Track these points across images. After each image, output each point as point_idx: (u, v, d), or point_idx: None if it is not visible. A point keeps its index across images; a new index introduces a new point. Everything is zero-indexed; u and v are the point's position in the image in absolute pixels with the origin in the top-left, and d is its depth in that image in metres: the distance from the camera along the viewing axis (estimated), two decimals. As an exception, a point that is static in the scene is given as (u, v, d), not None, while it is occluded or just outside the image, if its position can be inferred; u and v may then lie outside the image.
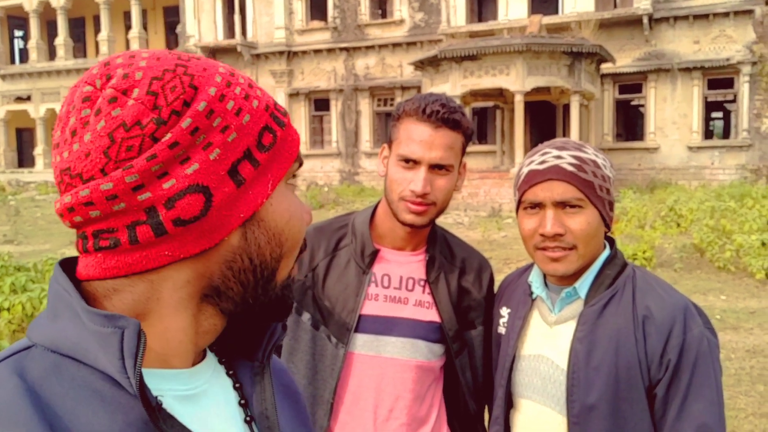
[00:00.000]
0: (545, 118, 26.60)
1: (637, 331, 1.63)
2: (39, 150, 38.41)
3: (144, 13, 37.90)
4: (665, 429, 1.60)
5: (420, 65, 23.84)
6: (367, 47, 31.24)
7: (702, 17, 25.54)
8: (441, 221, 2.15)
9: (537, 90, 22.15)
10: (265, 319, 0.87)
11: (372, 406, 1.89)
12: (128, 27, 38.05)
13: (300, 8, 32.29)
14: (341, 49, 31.65)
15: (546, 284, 1.82)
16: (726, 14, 25.25)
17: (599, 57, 22.36)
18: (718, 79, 25.88)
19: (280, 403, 0.94)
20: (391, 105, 30.75)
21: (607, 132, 27.09)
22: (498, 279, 1.98)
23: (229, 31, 33.75)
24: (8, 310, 5.96)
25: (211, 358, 0.88)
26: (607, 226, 1.74)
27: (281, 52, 32.30)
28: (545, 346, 1.77)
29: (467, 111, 24.39)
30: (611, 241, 1.81)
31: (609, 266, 1.74)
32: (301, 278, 1.94)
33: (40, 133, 38.53)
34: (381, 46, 30.95)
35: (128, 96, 0.72)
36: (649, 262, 11.59)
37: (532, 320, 1.83)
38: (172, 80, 0.74)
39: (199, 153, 0.74)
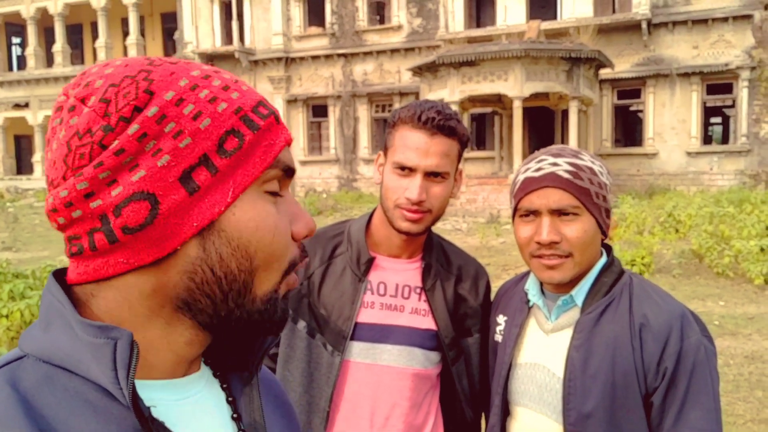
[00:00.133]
0: (544, 124, 26.63)
1: (634, 339, 1.62)
2: (37, 157, 38.37)
3: (142, 20, 37.91)
4: (662, 437, 1.60)
5: (418, 71, 23.86)
6: (365, 53, 31.24)
7: (701, 22, 25.55)
8: (439, 227, 2.15)
9: (535, 96, 22.19)
10: (256, 334, 0.85)
11: (368, 414, 1.88)
12: (126, 34, 38.04)
13: (298, 14, 32.30)
14: (339, 55, 31.65)
15: (543, 292, 1.81)
16: (725, 19, 25.26)
17: (598, 62, 22.40)
18: (717, 84, 25.88)
19: (271, 414, 0.94)
20: (389, 111, 30.62)
21: (605, 137, 27.09)
22: (497, 285, 1.98)
23: (227, 38, 33.75)
24: (7, 317, 5.96)
25: (205, 370, 0.88)
26: (604, 234, 1.74)
27: (279, 59, 32.29)
28: (542, 354, 1.76)
29: (465, 117, 24.44)
30: (608, 249, 1.81)
31: (606, 274, 1.73)
32: (296, 286, 1.93)
33: (38, 140, 38.50)
34: (379, 52, 30.95)
35: (85, 104, 0.73)
36: (648, 268, 11.59)
37: (528, 328, 1.83)
38: (128, 86, 0.73)
39: (148, 159, 0.72)
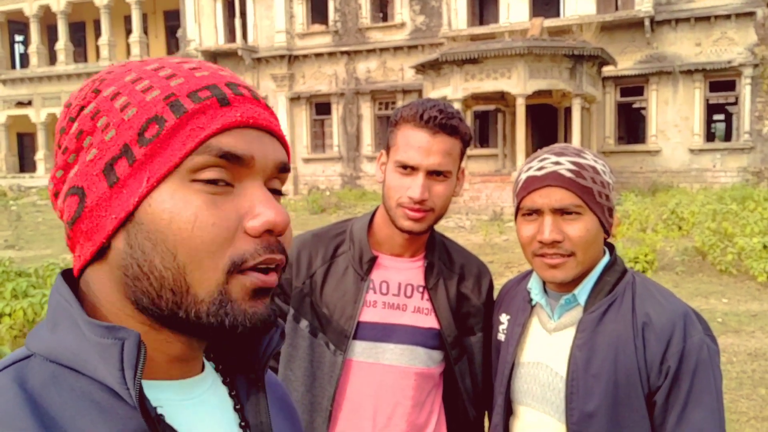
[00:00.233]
0: (547, 122, 26.60)
1: (637, 338, 1.62)
2: (40, 155, 38.41)
3: (144, 18, 37.93)
4: (665, 437, 1.60)
5: (421, 69, 23.83)
6: (369, 51, 31.21)
7: (703, 19, 25.50)
8: (442, 225, 2.16)
9: (538, 93, 22.15)
10: (239, 337, 0.76)
11: (371, 413, 1.88)
12: (129, 31, 38.07)
13: (301, 12, 32.27)
14: (342, 52, 31.62)
15: (545, 291, 1.81)
16: (727, 16, 25.21)
17: (601, 60, 22.36)
18: (720, 81, 25.84)
19: (275, 417, 0.94)
20: (393, 108, 30.67)
21: (608, 135, 27.06)
22: (500, 283, 1.98)
23: (230, 35, 33.74)
24: (9, 315, 5.96)
25: (210, 374, 0.88)
26: (607, 233, 1.74)
27: (282, 56, 32.26)
28: (544, 353, 1.76)
29: (468, 114, 24.41)
30: (611, 248, 1.81)
31: (608, 273, 1.73)
32: (299, 285, 1.94)
33: (41, 138, 38.51)
34: (382, 50, 30.92)
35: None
36: (651, 266, 11.57)
37: (531, 327, 1.83)
38: (85, 88, 0.77)
39: (82, 155, 0.75)
